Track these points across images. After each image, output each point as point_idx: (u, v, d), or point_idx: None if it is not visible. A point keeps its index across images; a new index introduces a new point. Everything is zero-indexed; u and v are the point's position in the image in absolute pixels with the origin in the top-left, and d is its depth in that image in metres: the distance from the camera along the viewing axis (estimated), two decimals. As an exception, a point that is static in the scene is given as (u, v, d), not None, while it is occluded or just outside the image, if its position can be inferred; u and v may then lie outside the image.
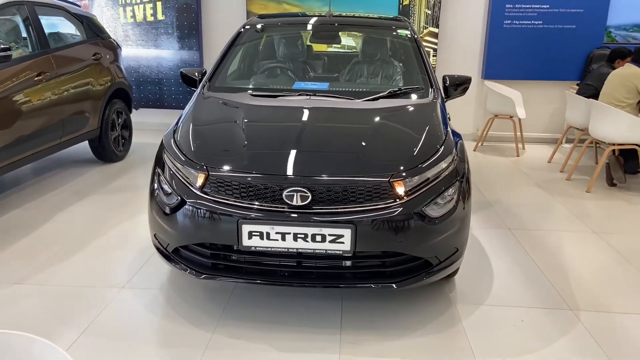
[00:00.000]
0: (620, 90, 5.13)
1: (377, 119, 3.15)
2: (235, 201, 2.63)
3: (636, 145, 5.10)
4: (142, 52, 7.39)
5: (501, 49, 7.04)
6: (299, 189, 2.57)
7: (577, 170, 5.81)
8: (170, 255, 2.85)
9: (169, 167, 2.88)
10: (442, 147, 2.88)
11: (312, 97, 3.37)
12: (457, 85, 3.76)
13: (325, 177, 2.61)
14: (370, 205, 2.60)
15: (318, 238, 2.57)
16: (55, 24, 5.28)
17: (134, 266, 3.44)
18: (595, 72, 5.93)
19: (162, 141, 3.12)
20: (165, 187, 2.83)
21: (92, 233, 3.96)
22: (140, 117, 7.08)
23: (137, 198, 4.77)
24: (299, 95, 3.41)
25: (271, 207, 2.60)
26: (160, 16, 7.25)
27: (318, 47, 4.55)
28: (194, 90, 3.76)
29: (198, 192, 2.69)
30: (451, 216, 2.73)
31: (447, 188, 2.75)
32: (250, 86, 3.80)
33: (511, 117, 6.71)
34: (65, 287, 3.18)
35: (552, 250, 3.84)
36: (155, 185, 2.91)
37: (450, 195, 2.76)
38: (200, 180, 2.70)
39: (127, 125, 6.17)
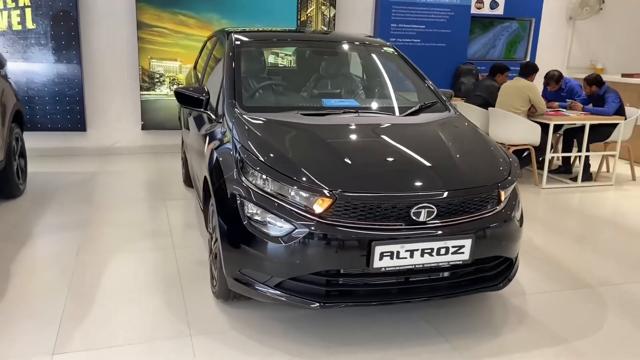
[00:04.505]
0: (517, 100, 6.02)
1: (439, 132, 3.29)
2: (366, 224, 2.54)
3: (530, 145, 6.05)
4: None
5: (387, 63, 7.63)
6: (426, 204, 2.60)
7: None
8: (274, 289, 2.62)
9: (265, 194, 2.62)
10: (506, 155, 3.17)
11: (360, 114, 3.36)
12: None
13: (447, 191, 2.68)
14: (483, 214, 2.75)
15: (442, 251, 2.63)
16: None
17: (178, 310, 3.03)
18: (481, 84, 6.84)
19: (236, 167, 2.79)
20: (263, 217, 2.59)
21: (84, 282, 3.34)
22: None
23: (89, 236, 4.11)
24: (344, 113, 3.37)
25: (401, 225, 2.58)
26: (30, 24, 6.23)
27: (317, 65, 4.39)
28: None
29: (317, 218, 2.54)
30: (522, 220, 3.04)
31: (516, 194, 3.04)
32: (292, 105, 3.59)
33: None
34: (122, 347, 2.67)
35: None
36: (244, 217, 2.63)
37: (518, 200, 3.05)
38: (323, 206, 2.54)
39: (23, 153, 5.22)
